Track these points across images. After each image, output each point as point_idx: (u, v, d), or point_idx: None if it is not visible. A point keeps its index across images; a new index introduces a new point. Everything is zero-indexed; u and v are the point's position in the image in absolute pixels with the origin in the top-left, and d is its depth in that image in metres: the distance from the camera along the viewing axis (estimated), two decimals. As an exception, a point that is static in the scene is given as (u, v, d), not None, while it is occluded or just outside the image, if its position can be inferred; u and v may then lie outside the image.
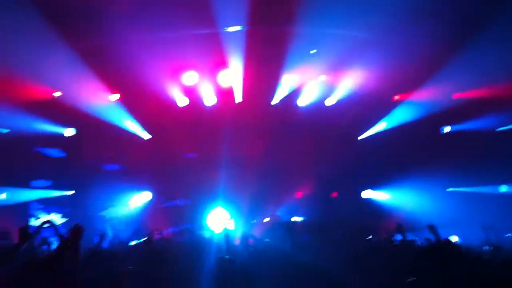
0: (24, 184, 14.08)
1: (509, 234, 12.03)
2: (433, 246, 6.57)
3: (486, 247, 7.86)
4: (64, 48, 11.46)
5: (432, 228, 6.68)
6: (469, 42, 11.75)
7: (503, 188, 14.50)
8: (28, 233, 5.23)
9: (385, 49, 12.44)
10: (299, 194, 15.31)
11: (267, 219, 14.44)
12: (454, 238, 7.22)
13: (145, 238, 10.62)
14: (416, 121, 14.57)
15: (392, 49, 12.43)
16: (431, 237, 7.47)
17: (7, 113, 12.67)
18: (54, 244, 7.65)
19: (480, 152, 13.90)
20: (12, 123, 13.33)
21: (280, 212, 14.78)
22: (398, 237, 7.63)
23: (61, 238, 4.63)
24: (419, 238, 8.19)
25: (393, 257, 6.50)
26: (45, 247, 7.35)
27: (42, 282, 3.86)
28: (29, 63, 11.58)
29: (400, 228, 7.11)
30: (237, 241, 8.83)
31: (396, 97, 15.06)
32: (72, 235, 4.72)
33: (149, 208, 15.51)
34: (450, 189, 15.35)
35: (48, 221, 7.65)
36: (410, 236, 7.97)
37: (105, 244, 10.86)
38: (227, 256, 6.27)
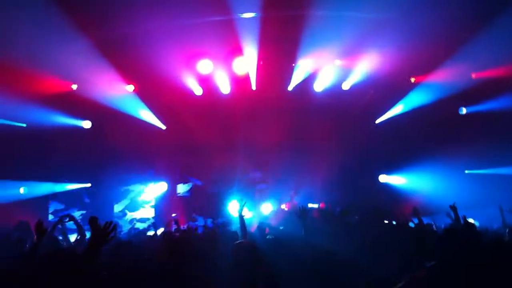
0: (43, 178, 14.24)
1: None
2: (453, 229, 6.51)
3: (505, 230, 7.73)
4: (80, 38, 11.53)
5: (454, 209, 6.61)
6: (488, 20, 11.52)
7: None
8: (43, 228, 5.31)
9: (401, 30, 12.22)
10: (317, 180, 15.28)
11: (284, 206, 14.47)
12: (471, 221, 7.12)
13: (163, 229, 10.79)
14: (434, 103, 14.37)
15: (409, 31, 12.22)
16: (449, 220, 7.41)
17: (24, 107, 12.80)
18: (72, 237, 7.75)
19: (499, 133, 13.67)
20: (29, 117, 13.44)
21: (297, 199, 14.78)
22: (415, 220, 7.58)
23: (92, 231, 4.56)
24: (435, 222, 8.12)
25: (410, 241, 6.43)
26: (61, 238, 7.44)
27: (65, 276, 3.86)
28: (45, 55, 11.66)
29: (416, 211, 7.05)
30: (253, 229, 8.87)
31: (413, 79, 14.86)
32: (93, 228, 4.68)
33: (165, 198, 15.63)
34: (468, 171, 15.19)
35: (68, 215, 7.76)
36: (426, 220, 7.89)
37: (123, 235, 11.03)
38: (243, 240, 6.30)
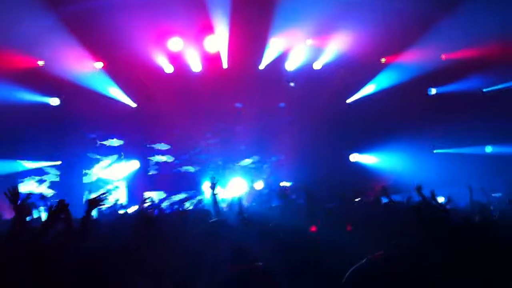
0: (11, 156, 13.93)
1: (497, 194, 12.15)
2: (419, 207, 6.62)
3: (473, 207, 7.90)
4: (47, 13, 11.23)
5: (419, 189, 6.71)
6: (458, 2, 11.64)
7: (489, 149, 14.61)
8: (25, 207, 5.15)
9: (372, 10, 12.30)
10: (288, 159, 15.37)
11: (258, 184, 14.53)
12: (440, 199, 7.25)
13: (136, 207, 10.71)
14: (404, 83, 14.54)
15: (380, 11, 12.30)
16: (417, 198, 7.53)
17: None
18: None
19: (467, 113, 13.93)
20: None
21: (269, 178, 14.86)
22: (384, 199, 7.69)
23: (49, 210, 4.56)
24: (405, 200, 8.24)
25: (380, 219, 6.53)
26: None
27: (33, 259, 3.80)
28: (10, 30, 11.34)
29: (385, 190, 7.15)
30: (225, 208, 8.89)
31: (383, 60, 14.97)
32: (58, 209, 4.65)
33: (138, 177, 15.49)
34: (437, 150, 15.47)
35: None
36: (396, 198, 8.01)
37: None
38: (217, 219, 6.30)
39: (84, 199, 12.44)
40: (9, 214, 6.87)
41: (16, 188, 4.95)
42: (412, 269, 3.57)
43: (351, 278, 3.65)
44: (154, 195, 14.24)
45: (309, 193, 7.03)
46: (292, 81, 15.33)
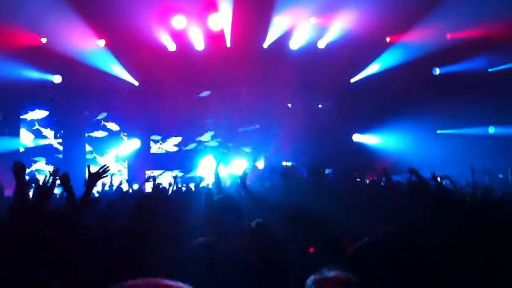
0: (13, 132, 13.96)
1: (501, 175, 12.13)
2: (414, 187, 6.61)
3: (475, 188, 7.89)
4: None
5: (413, 171, 6.68)
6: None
7: (491, 130, 14.53)
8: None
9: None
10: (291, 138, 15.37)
11: (258, 164, 14.53)
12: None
13: (138, 186, 10.75)
14: (408, 62, 14.43)
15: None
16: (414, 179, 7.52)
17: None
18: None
19: (471, 93, 13.84)
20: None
21: (272, 157, 14.86)
22: (383, 179, 7.68)
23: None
24: (404, 180, 8.24)
25: (379, 199, 6.54)
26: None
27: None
28: (13, 7, 11.29)
29: (386, 171, 7.13)
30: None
31: (388, 39, 14.84)
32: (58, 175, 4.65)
33: (139, 156, 15.51)
34: (440, 131, 15.42)
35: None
36: (397, 178, 8.01)
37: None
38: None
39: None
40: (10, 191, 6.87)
41: (22, 162, 4.78)
42: (414, 247, 3.58)
43: (355, 254, 3.67)
44: (155, 174, 14.29)
45: (314, 169, 6.97)
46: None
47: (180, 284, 1.71)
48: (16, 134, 14.22)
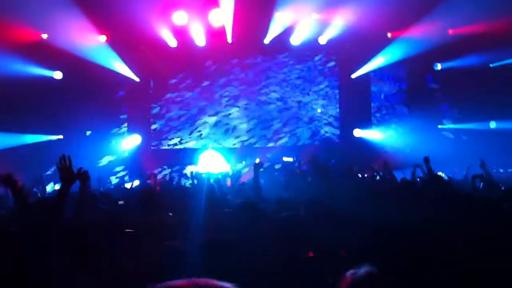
0: (12, 129, 13.90)
1: (501, 170, 12.13)
2: (424, 182, 6.61)
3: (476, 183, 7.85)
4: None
5: (427, 161, 6.68)
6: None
7: (493, 124, 14.48)
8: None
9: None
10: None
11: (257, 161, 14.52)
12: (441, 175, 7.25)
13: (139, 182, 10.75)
14: (410, 58, 14.42)
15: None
16: (420, 173, 7.52)
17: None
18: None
19: (473, 89, 13.81)
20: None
21: (270, 154, 14.87)
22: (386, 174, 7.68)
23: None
24: (405, 176, 8.23)
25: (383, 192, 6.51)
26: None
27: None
28: (14, 2, 11.30)
29: (386, 165, 7.14)
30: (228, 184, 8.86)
31: (390, 35, 14.81)
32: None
33: (139, 151, 15.46)
34: (442, 126, 15.40)
35: None
36: (398, 174, 8.00)
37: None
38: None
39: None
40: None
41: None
42: (418, 239, 3.56)
43: (361, 245, 3.68)
44: (156, 170, 14.27)
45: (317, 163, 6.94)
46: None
47: (228, 284, 1.72)
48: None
